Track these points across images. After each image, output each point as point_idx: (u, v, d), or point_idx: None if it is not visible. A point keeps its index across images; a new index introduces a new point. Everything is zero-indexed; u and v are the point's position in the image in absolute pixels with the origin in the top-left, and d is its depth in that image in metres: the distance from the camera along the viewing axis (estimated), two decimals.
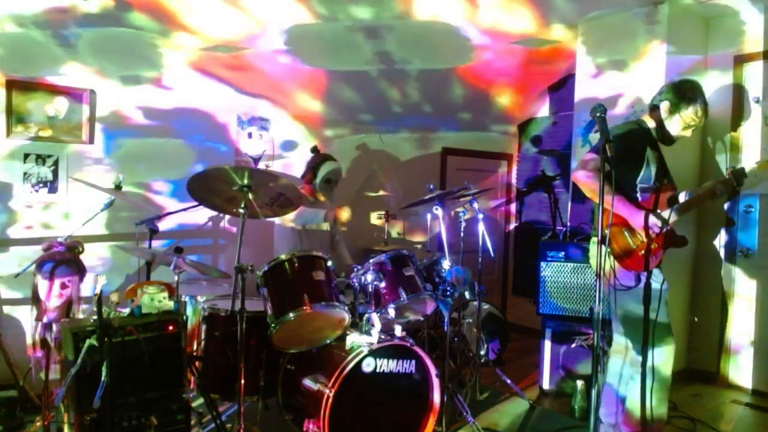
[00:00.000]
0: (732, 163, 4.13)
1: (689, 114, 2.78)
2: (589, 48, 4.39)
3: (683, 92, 2.80)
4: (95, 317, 2.23)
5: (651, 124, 2.89)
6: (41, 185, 3.73)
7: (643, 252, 2.65)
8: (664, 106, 2.82)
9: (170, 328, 2.53)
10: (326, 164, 3.81)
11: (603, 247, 2.27)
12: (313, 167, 3.83)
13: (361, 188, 3.64)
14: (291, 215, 3.28)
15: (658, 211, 2.68)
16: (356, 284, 3.06)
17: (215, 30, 3.92)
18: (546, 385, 3.91)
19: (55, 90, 3.73)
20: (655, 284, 2.66)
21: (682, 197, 2.74)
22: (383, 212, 4.92)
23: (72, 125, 3.80)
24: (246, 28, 3.96)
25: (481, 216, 3.68)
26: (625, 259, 2.69)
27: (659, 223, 2.61)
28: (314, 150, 3.97)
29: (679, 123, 2.81)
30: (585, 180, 2.68)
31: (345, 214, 3.59)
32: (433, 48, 4.57)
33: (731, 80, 4.17)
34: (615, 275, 2.62)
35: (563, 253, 3.87)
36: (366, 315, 2.95)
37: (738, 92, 4.16)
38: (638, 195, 2.77)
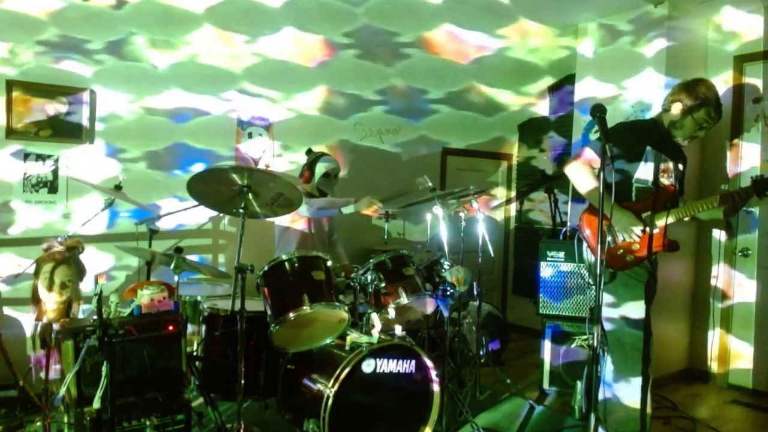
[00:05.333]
0: (732, 165, 4.14)
1: (701, 115, 2.71)
2: (589, 48, 4.39)
3: (696, 93, 2.70)
4: (95, 317, 2.23)
5: (664, 123, 2.82)
6: (41, 185, 3.73)
7: (620, 251, 2.65)
8: (676, 107, 2.74)
9: (170, 328, 2.53)
10: (322, 160, 3.85)
11: (599, 245, 2.25)
12: (309, 165, 3.87)
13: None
14: (301, 210, 3.23)
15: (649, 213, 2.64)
16: (356, 284, 3.06)
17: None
18: (546, 385, 3.91)
19: (55, 90, 3.74)
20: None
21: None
22: (383, 212, 4.92)
23: (72, 125, 3.81)
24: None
25: (481, 216, 3.68)
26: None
27: (641, 227, 2.61)
28: (309, 152, 4.02)
29: (692, 124, 2.74)
30: (574, 173, 2.75)
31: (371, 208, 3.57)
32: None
33: (731, 80, 4.17)
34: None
35: (563, 253, 3.87)
36: (366, 315, 2.95)
37: (738, 92, 4.16)
38: (633, 194, 2.73)
